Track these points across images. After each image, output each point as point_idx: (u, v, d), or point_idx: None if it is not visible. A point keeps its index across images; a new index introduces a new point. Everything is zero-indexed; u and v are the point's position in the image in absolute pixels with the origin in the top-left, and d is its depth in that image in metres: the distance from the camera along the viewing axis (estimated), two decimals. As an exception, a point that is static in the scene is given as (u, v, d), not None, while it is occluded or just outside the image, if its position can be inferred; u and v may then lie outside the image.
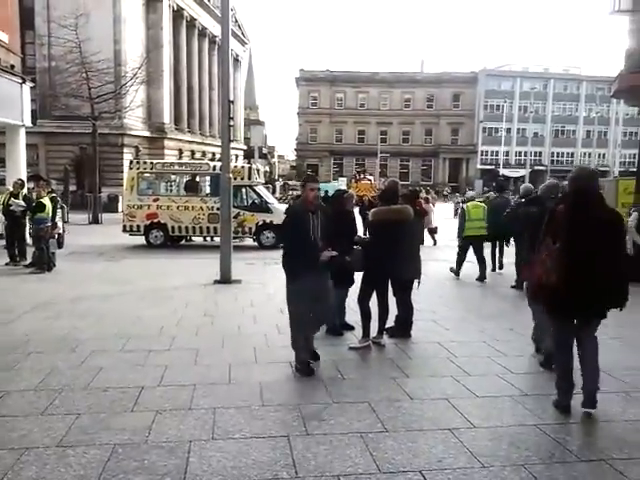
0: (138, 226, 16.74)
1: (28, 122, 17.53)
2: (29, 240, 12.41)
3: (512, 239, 10.49)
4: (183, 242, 17.71)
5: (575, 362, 4.52)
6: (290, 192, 36.63)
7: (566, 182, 4.65)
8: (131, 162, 18.08)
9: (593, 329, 4.47)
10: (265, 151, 64.38)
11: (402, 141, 69.80)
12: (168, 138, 41.19)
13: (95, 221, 25.08)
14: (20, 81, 16.71)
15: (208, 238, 17.52)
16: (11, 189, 12.73)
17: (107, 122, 29.51)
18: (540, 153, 67.65)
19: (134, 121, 36.48)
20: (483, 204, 11.72)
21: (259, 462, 3.62)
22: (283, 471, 3.51)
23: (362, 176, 42.80)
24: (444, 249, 15.40)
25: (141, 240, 16.81)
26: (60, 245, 12.42)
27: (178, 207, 16.60)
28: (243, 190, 16.80)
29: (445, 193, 53.49)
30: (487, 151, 67.99)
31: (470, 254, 11.23)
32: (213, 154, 46.19)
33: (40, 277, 10.82)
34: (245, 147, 57.90)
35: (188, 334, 6.69)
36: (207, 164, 19.21)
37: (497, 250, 12.05)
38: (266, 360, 5.71)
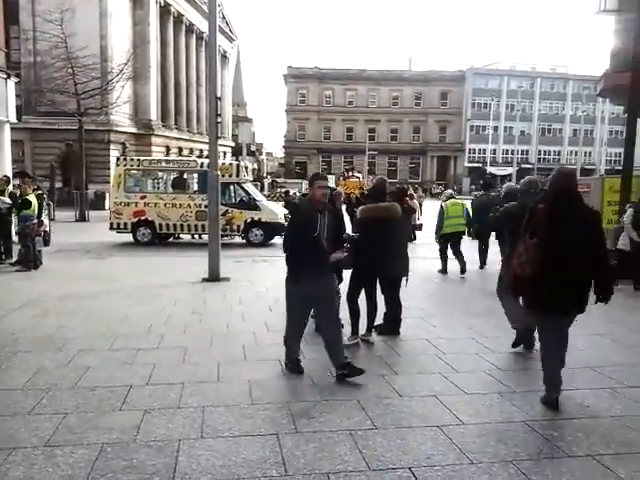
0: (125, 223, 16.60)
1: (13, 118, 17.29)
2: (15, 238, 12.28)
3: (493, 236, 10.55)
4: (171, 240, 17.60)
5: (568, 361, 4.58)
6: (278, 189, 36.53)
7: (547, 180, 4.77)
8: (118, 159, 17.98)
9: (567, 323, 4.58)
10: (253, 148, 64.37)
11: (390, 139, 69.89)
12: (155, 135, 40.91)
13: (82, 218, 24.90)
14: (5, 76, 16.46)
15: (196, 236, 17.40)
16: (-4, 186, 12.57)
17: (93, 118, 29.26)
18: (527, 151, 68.26)
19: (121, 117, 36.19)
20: (461, 202, 11.89)
21: (248, 460, 3.61)
22: (272, 469, 3.51)
23: (350, 174, 42.70)
24: (430, 246, 15.40)
25: (128, 238, 16.67)
26: (46, 243, 12.30)
27: (165, 204, 16.48)
28: (231, 187, 16.68)
29: (436, 191, 53.40)
30: (475, 149, 68.49)
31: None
32: (201, 151, 45.87)
33: (26, 275, 10.71)
34: (233, 144, 57.55)
35: (176, 332, 6.66)
36: (195, 161, 18.99)
37: (483, 248, 12.11)
38: (255, 358, 5.69)
